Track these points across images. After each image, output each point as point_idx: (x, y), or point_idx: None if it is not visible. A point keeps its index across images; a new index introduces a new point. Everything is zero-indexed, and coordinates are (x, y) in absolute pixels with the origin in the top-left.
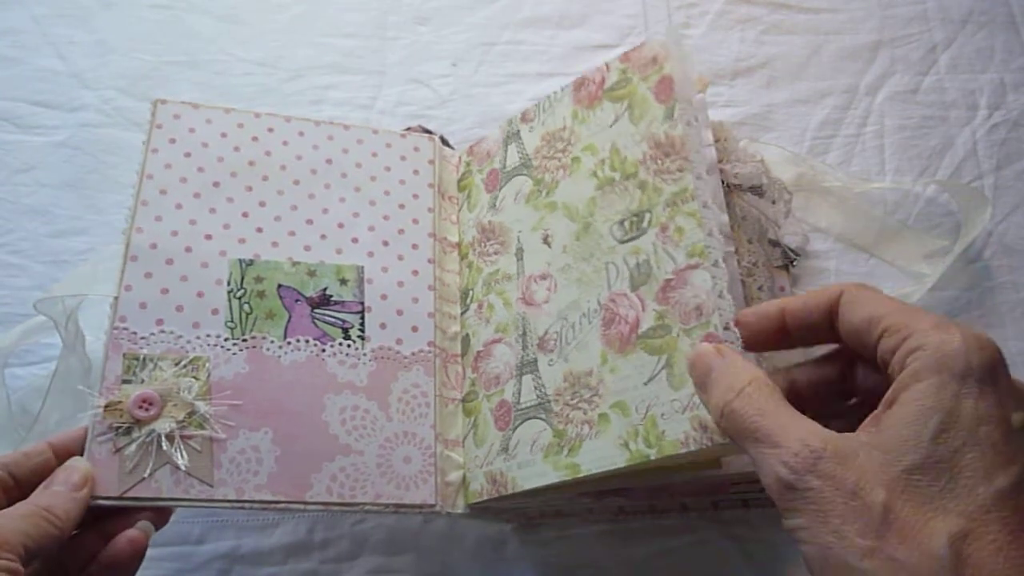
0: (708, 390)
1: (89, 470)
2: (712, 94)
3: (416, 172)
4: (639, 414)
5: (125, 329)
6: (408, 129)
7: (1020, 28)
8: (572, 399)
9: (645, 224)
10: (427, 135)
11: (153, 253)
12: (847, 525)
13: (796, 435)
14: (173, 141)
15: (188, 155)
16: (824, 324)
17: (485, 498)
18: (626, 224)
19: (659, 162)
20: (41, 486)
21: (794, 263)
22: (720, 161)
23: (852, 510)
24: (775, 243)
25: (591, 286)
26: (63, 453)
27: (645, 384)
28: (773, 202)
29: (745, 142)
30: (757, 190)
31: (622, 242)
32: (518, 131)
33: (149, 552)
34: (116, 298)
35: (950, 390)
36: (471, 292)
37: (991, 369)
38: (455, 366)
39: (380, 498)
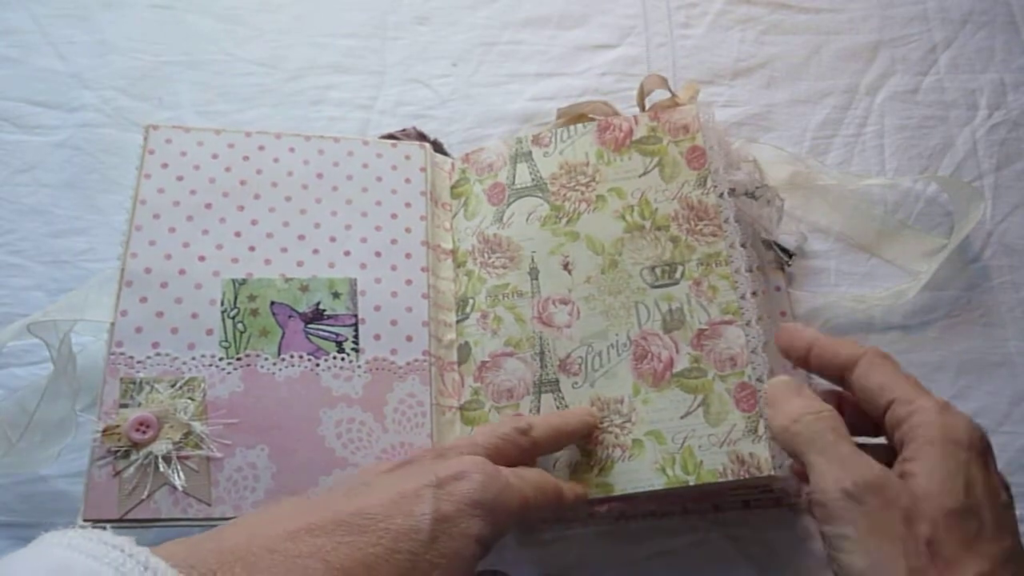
0: (782, 406)
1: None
2: (712, 94)
3: (408, 181)
4: (675, 443)
5: (122, 354)
6: (403, 131)
7: (1020, 28)
8: (602, 422)
9: (678, 275)
10: (418, 143)
11: (148, 277)
12: (897, 545)
13: (863, 460)
14: (165, 166)
15: (180, 179)
16: (838, 373)
17: None
18: (657, 271)
19: (692, 223)
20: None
21: (789, 263)
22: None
23: (903, 534)
24: (768, 245)
25: (619, 320)
26: None
27: (682, 418)
28: (768, 202)
29: (741, 142)
30: (750, 195)
31: (653, 287)
32: (530, 152)
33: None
34: (112, 324)
35: (962, 456)
36: (471, 300)
37: (985, 449)
38: (452, 374)
39: None
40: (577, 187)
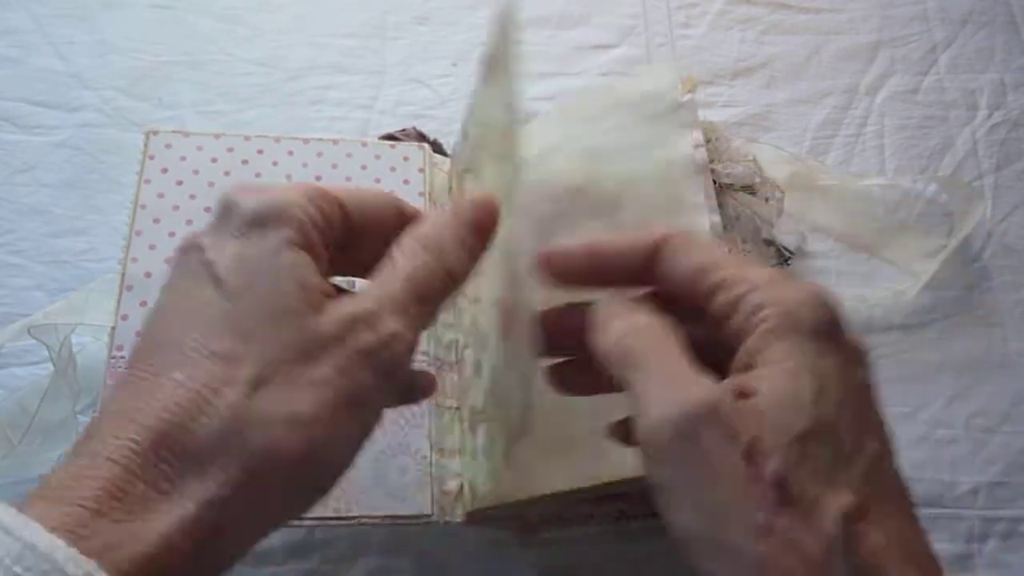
0: (607, 328)
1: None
2: (712, 94)
3: (407, 182)
4: None
5: (122, 358)
6: (402, 131)
7: (1020, 28)
8: None
9: None
10: (417, 143)
11: (148, 282)
12: (739, 495)
13: (696, 380)
14: (165, 170)
15: (180, 183)
16: (639, 269)
17: (485, 504)
18: None
19: None
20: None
21: (789, 262)
22: (712, 161)
23: (744, 477)
24: (769, 242)
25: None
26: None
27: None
28: (766, 200)
29: (740, 142)
30: (749, 189)
31: None
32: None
33: None
34: (113, 328)
35: (810, 349)
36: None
37: (836, 324)
38: (450, 374)
39: (376, 510)
40: None
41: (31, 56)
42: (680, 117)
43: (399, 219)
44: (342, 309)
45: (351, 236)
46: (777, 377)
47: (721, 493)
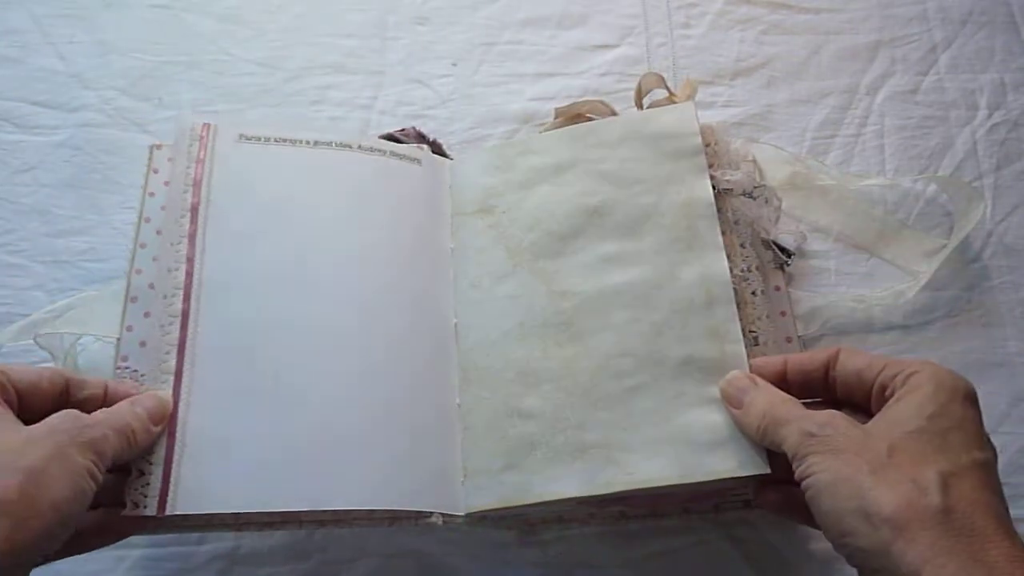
0: (746, 406)
1: (169, 407)
2: (712, 94)
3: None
4: None
5: (127, 368)
6: (402, 131)
7: (1020, 28)
8: None
9: None
10: (417, 145)
11: (152, 293)
12: (857, 457)
13: (817, 411)
14: (168, 184)
15: None
16: (820, 374)
17: (487, 508)
18: None
19: None
20: (127, 402)
21: (788, 263)
22: (711, 166)
23: (861, 449)
24: (768, 245)
25: None
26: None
27: None
28: (767, 201)
29: (740, 142)
30: (748, 195)
31: None
32: None
33: (149, 552)
34: (119, 339)
35: (943, 396)
36: None
37: (973, 397)
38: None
39: (376, 511)
40: None
41: (31, 56)
42: (700, 161)
43: (64, 384)
44: None
45: (17, 393)
46: (905, 404)
47: (845, 455)
